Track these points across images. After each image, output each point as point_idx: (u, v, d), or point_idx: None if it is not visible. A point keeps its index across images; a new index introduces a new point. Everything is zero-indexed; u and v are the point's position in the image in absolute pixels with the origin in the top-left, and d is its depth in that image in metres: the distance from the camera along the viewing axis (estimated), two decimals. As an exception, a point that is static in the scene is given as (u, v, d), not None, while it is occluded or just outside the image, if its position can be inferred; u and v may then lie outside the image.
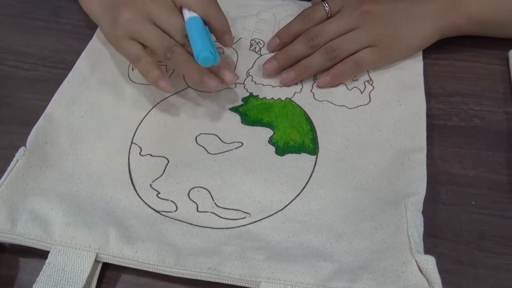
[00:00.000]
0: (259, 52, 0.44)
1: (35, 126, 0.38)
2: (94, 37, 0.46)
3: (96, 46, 0.45)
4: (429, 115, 0.39)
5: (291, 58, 0.41)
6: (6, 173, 0.34)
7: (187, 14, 0.38)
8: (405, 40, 0.40)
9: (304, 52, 0.41)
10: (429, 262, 0.28)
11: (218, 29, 0.39)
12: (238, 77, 0.42)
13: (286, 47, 0.42)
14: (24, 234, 0.32)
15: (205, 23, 0.38)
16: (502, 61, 0.43)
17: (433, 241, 0.33)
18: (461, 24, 0.41)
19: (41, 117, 0.39)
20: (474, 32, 0.42)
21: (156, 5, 0.38)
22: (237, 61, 0.43)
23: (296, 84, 0.42)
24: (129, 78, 0.43)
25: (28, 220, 0.32)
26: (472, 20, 0.41)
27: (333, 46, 0.40)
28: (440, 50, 0.44)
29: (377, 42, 0.40)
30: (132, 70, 0.43)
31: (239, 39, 0.45)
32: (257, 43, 0.45)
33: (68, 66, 0.43)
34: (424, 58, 0.42)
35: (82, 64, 0.43)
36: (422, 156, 0.35)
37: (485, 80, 0.42)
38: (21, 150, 0.36)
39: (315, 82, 0.41)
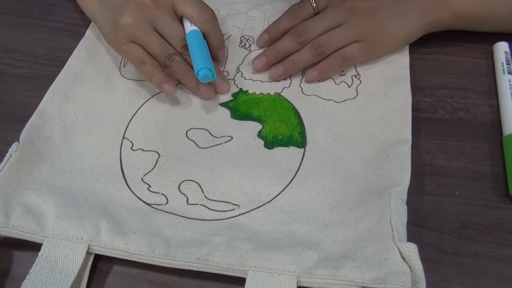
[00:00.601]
0: (248, 49, 0.45)
1: (28, 122, 0.39)
2: (86, 35, 0.46)
3: (88, 43, 0.46)
4: (415, 109, 0.39)
5: (280, 54, 0.42)
6: (-1, 168, 0.35)
7: (189, 26, 0.40)
8: (391, 35, 0.41)
9: (292, 48, 0.42)
10: (411, 250, 0.29)
11: (214, 45, 0.41)
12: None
13: (275, 43, 0.43)
14: (17, 227, 0.32)
15: (204, 37, 0.40)
16: (487, 55, 0.44)
17: (417, 230, 0.34)
18: (446, 19, 0.42)
19: (34, 113, 0.39)
20: (459, 26, 0.43)
21: (159, 11, 0.39)
22: (227, 58, 0.44)
23: (285, 79, 0.42)
24: (121, 74, 0.43)
25: (22, 214, 0.33)
26: (457, 15, 0.42)
27: (320, 41, 0.40)
28: (427, 44, 0.44)
29: (363, 37, 0.40)
30: (124, 67, 0.44)
31: (229, 36, 0.46)
32: (247, 40, 0.46)
33: (61, 64, 0.44)
34: (410, 52, 0.43)
35: (74, 61, 0.44)
36: (407, 148, 0.36)
37: (471, 73, 0.43)
38: (14, 146, 0.36)
39: (303, 77, 0.42)
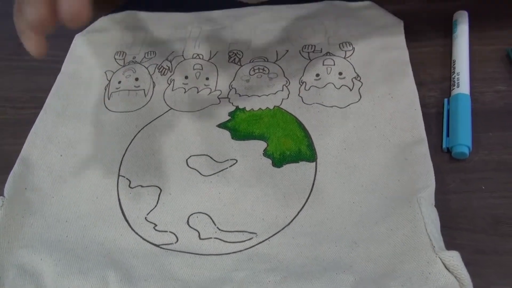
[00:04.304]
0: (238, 63, 0.42)
1: (11, 172, 0.35)
2: (62, 69, 0.43)
3: (66, 78, 0.43)
4: (422, 104, 0.37)
5: None
6: (-15, 229, 0.32)
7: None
8: None
9: None
10: (455, 258, 0.26)
11: None
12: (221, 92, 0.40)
13: None
14: (14, 293, 0.29)
15: None
16: (485, 40, 0.43)
17: (449, 233, 0.31)
18: None
19: (17, 162, 0.36)
20: None
21: None
22: (217, 76, 0.42)
23: (282, 90, 0.40)
24: (106, 107, 0.40)
25: (17, 276, 0.29)
26: None
27: None
28: (422, 37, 0.43)
29: None
30: (109, 99, 0.41)
31: (216, 53, 0.43)
32: (235, 54, 0.43)
33: (38, 105, 0.41)
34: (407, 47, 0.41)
35: (53, 99, 0.41)
36: (424, 148, 0.33)
37: (471, 62, 0.41)
38: (-1, 201, 0.33)
39: (301, 85, 0.40)
